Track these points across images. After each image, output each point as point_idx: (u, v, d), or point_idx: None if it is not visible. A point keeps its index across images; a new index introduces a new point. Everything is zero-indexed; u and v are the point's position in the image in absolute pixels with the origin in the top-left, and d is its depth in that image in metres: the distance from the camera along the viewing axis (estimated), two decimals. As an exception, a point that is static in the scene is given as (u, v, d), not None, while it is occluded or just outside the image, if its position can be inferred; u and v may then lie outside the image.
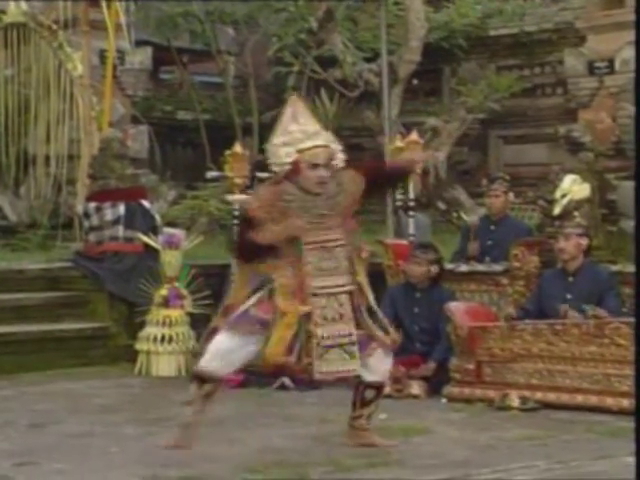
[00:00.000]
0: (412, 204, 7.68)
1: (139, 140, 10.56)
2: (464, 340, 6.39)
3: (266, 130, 11.88)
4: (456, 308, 6.55)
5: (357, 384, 4.97)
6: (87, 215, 8.35)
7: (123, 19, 9.66)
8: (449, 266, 7.28)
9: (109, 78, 9.51)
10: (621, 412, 5.77)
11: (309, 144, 4.70)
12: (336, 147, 4.82)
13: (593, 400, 5.97)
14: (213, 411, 5.98)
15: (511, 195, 7.53)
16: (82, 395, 6.59)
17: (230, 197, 7.37)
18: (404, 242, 7.48)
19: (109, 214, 8.20)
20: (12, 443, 5.20)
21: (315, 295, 4.72)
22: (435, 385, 6.53)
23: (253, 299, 4.76)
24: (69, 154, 9.66)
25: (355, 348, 4.78)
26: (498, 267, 7.13)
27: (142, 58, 10.91)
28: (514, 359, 6.26)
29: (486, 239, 7.39)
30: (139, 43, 11.19)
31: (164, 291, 7.61)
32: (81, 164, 9.39)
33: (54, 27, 9.80)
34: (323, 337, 4.72)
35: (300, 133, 4.70)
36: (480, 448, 5.07)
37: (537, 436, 5.32)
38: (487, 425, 5.65)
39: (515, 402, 6.04)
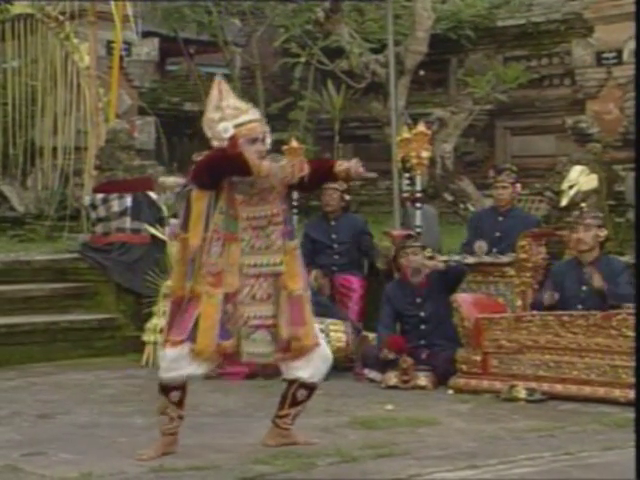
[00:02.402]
0: (419, 195, 7.67)
1: (146, 131, 10.57)
2: (471, 331, 6.39)
3: (273, 121, 11.92)
4: (463, 299, 6.55)
5: (290, 381, 4.80)
6: (94, 206, 8.36)
7: (130, 10, 9.66)
8: (456, 257, 7.28)
9: (116, 69, 9.51)
10: (628, 403, 5.75)
11: (246, 118, 4.65)
12: (266, 127, 4.76)
13: (600, 391, 5.97)
14: (221, 402, 6.00)
15: (518, 186, 7.51)
16: (90, 386, 6.61)
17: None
18: (411, 233, 7.47)
19: (116, 205, 8.21)
20: (20, 433, 5.22)
21: (244, 274, 4.59)
22: (442, 376, 6.53)
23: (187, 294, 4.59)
24: (76, 145, 9.67)
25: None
26: (505, 258, 7.13)
27: (149, 49, 10.91)
28: (521, 350, 6.25)
29: (493, 230, 7.38)
30: (146, 34, 11.18)
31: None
32: (88, 155, 9.40)
33: (61, 18, 9.80)
34: (249, 317, 4.60)
35: (233, 109, 4.65)
36: (487, 439, 5.07)
37: (544, 427, 5.32)
38: (494, 416, 5.65)
39: (522, 393, 6.04)
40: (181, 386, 4.66)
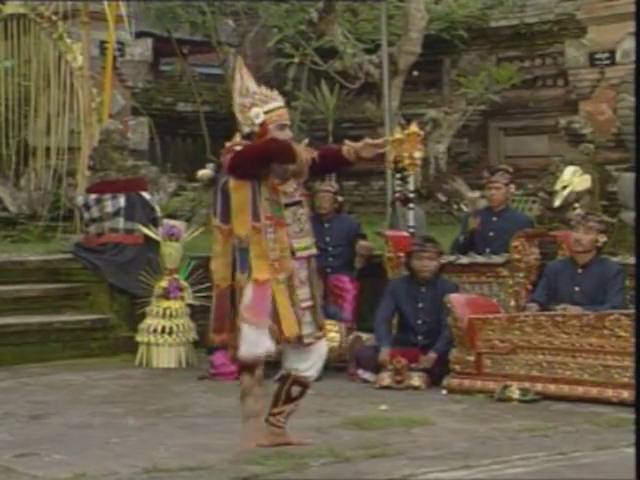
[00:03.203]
0: (412, 196, 7.68)
1: (139, 132, 10.56)
2: (464, 332, 6.39)
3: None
4: (456, 300, 6.55)
5: (284, 376, 4.82)
6: (87, 207, 8.35)
7: (123, 10, 9.65)
8: (449, 258, 7.28)
9: (109, 69, 9.50)
10: (621, 403, 5.78)
11: (275, 105, 4.68)
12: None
13: (593, 392, 5.98)
14: (214, 402, 6.00)
15: (512, 187, 7.52)
16: (82, 386, 6.60)
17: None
18: (404, 234, 7.48)
19: (109, 206, 8.20)
20: (13, 434, 5.21)
21: (293, 257, 4.65)
22: (435, 376, 6.54)
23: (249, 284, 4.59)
24: (69, 146, 9.65)
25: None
26: (498, 259, 7.13)
27: (142, 49, 10.90)
28: (514, 351, 6.26)
29: (487, 230, 7.38)
30: (139, 34, 11.17)
31: (164, 283, 7.61)
32: (81, 156, 9.38)
33: (54, 18, 9.79)
34: (302, 300, 4.65)
35: (262, 95, 4.68)
36: (480, 439, 5.07)
37: (537, 427, 5.32)
38: (487, 416, 5.66)
39: (515, 394, 6.05)
40: (262, 362, 4.66)
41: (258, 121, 4.61)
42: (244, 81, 4.70)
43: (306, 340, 4.68)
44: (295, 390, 4.79)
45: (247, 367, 4.68)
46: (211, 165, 8.84)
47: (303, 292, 4.67)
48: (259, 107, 4.62)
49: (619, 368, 5.90)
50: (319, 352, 4.79)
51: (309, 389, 4.87)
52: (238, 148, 4.64)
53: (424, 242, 6.95)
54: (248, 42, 12.12)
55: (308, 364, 4.76)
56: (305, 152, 4.63)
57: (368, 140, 4.70)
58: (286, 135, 4.66)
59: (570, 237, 6.62)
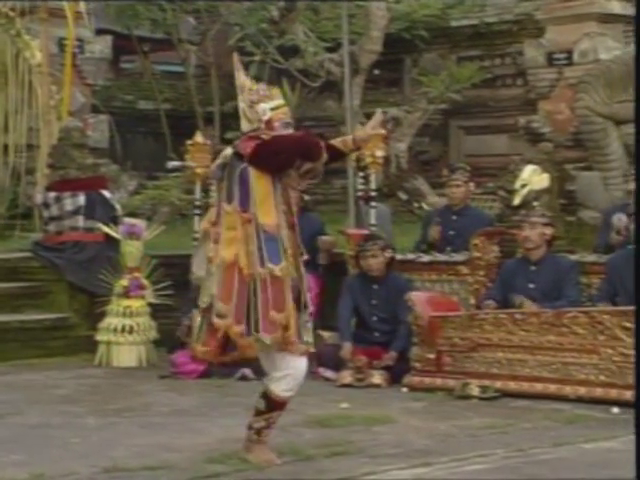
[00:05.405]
0: (374, 194, 7.71)
1: (99, 129, 10.47)
2: (425, 330, 6.43)
3: (228, 120, 11.90)
4: (417, 298, 6.59)
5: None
6: (46, 205, 8.28)
7: (83, 7, 9.57)
8: (410, 256, 7.32)
9: (69, 67, 9.42)
10: (579, 400, 5.85)
11: (279, 102, 4.60)
12: None
13: (552, 388, 6.04)
14: (175, 401, 5.98)
15: (472, 185, 7.58)
16: (42, 386, 6.55)
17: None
18: (366, 232, 7.51)
19: (69, 204, 8.14)
20: (-30, 435, 5.16)
21: (302, 257, 4.52)
22: (396, 374, 6.57)
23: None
24: (28, 143, 9.55)
25: None
26: (459, 257, 7.18)
27: (102, 47, 10.81)
28: (474, 348, 6.31)
29: (448, 229, 7.44)
30: (99, 31, 11.07)
31: (125, 281, 7.58)
32: (40, 153, 9.29)
33: (11, 14, 9.68)
34: (308, 305, 4.56)
35: (265, 90, 4.60)
36: (440, 437, 5.11)
37: (497, 424, 5.37)
38: (447, 414, 5.69)
39: (475, 391, 6.09)
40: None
41: (265, 117, 4.49)
42: (244, 78, 4.63)
43: (309, 347, 4.49)
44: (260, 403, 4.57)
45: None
46: (175, 163, 8.77)
47: (306, 297, 4.54)
48: (266, 103, 4.52)
49: (577, 365, 5.97)
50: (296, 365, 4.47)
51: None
52: (264, 136, 4.44)
53: (364, 241, 6.98)
54: (209, 40, 12.07)
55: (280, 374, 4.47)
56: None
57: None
58: (290, 132, 4.54)
59: (519, 237, 6.69)
